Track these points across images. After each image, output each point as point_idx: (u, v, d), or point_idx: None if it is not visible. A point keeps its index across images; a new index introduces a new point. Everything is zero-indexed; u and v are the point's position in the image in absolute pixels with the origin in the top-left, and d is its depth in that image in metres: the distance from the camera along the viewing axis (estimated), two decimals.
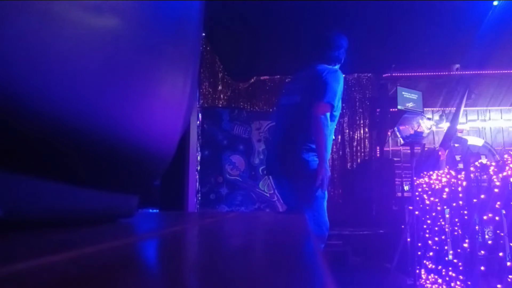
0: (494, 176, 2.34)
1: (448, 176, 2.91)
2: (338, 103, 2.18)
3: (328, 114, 2.11)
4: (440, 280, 2.92)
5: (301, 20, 4.55)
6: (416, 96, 5.81)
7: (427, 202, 3.31)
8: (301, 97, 2.25)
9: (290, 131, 2.22)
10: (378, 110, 6.13)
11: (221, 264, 0.26)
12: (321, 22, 4.61)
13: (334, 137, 2.40)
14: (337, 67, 2.33)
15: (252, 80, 6.21)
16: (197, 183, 4.53)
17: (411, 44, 5.02)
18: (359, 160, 6.18)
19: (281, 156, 2.25)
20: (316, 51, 2.36)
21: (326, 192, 2.18)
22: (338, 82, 2.17)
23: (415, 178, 3.71)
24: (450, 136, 5.57)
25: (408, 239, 3.65)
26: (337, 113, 2.21)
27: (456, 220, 2.71)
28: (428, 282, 3.18)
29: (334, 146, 6.27)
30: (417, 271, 3.42)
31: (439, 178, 3.06)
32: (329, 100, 2.11)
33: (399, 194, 5.49)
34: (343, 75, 2.28)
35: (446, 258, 2.83)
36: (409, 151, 4.47)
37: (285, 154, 2.23)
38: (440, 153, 5.12)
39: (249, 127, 4.89)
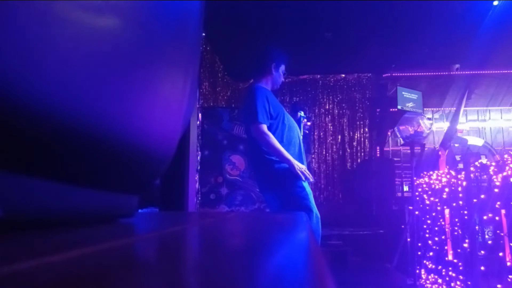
0: (494, 176, 2.34)
1: (448, 176, 2.91)
2: (266, 113, 2.18)
3: (264, 129, 2.14)
4: (440, 280, 2.92)
5: (300, 20, 4.55)
6: (416, 96, 5.81)
7: (427, 202, 3.31)
8: (243, 119, 2.40)
9: (250, 150, 2.32)
10: (378, 110, 6.13)
11: (221, 264, 0.26)
12: (321, 22, 4.62)
13: (307, 133, 2.49)
14: (258, 82, 2.39)
15: (252, 80, 6.21)
16: (197, 183, 4.53)
17: (411, 44, 5.02)
18: (359, 160, 6.18)
19: (255, 174, 2.35)
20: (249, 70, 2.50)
21: (309, 188, 2.22)
22: (253, 97, 2.21)
23: (415, 178, 3.71)
24: (450, 136, 5.57)
25: (408, 239, 3.65)
26: (275, 120, 2.22)
27: (456, 220, 2.71)
28: (428, 282, 3.18)
29: (334, 146, 6.28)
30: (417, 271, 3.42)
31: (439, 178, 3.06)
32: (253, 121, 2.16)
33: (399, 194, 5.49)
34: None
35: (446, 258, 2.83)
36: (409, 151, 4.46)
37: (256, 171, 2.32)
38: (440, 153, 5.12)
39: None
